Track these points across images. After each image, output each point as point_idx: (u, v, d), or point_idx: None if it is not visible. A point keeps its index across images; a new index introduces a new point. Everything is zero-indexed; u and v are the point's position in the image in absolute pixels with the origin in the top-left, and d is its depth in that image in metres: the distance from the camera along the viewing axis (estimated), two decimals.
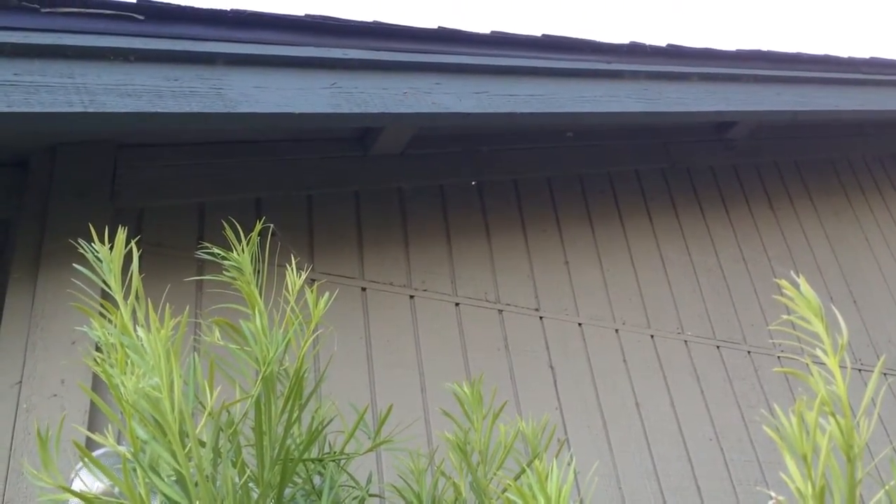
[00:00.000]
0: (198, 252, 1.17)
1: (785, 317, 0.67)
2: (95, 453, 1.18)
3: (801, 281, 0.65)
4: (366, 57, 2.29)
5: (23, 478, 1.73)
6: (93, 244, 1.04)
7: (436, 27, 2.56)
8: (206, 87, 1.97)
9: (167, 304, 0.92)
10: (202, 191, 2.39)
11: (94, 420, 1.88)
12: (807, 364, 0.67)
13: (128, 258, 1.04)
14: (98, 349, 0.99)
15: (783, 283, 0.66)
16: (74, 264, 1.10)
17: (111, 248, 1.04)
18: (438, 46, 2.54)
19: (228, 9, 2.17)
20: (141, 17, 2.04)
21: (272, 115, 2.03)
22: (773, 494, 0.65)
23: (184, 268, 2.22)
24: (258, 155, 2.54)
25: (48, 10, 1.93)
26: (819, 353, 0.65)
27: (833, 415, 0.61)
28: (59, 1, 1.95)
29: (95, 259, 1.04)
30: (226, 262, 1.09)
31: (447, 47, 2.55)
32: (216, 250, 1.09)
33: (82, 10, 1.97)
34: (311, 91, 2.13)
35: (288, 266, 1.16)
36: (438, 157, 2.90)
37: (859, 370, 3.39)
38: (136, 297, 1.00)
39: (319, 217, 2.55)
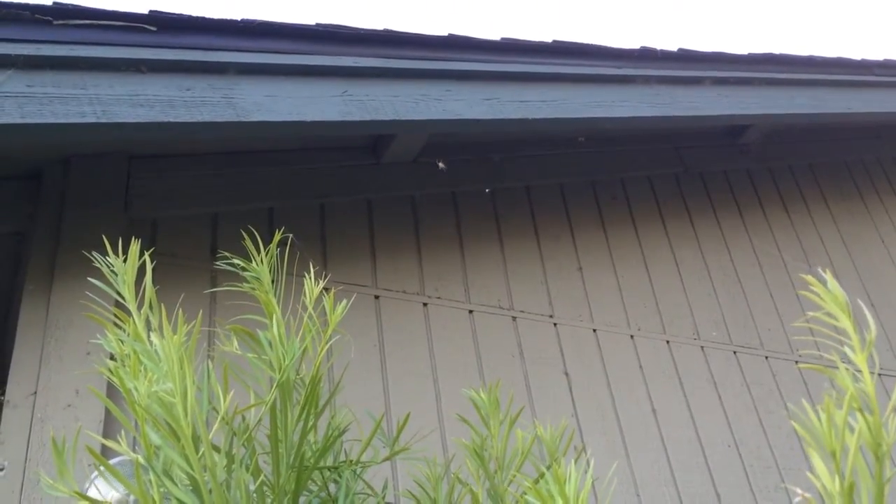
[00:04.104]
0: (217, 263, 1.17)
1: (811, 313, 0.65)
2: (110, 462, 1.17)
3: (828, 276, 0.64)
4: (377, 65, 2.29)
5: (38, 488, 1.73)
6: (107, 257, 1.04)
7: (446, 34, 2.56)
8: (218, 96, 1.97)
9: (181, 311, 0.92)
10: (215, 201, 2.39)
11: (109, 431, 1.88)
12: (833, 361, 0.65)
13: (141, 269, 1.04)
14: (112, 359, 0.98)
15: (809, 279, 0.64)
16: (89, 278, 1.10)
17: (125, 260, 1.04)
18: (449, 53, 2.53)
19: (239, 18, 2.18)
20: (153, 28, 2.05)
21: (284, 123, 2.03)
22: (799, 491, 0.64)
23: (197, 278, 2.22)
24: (271, 164, 2.54)
25: (61, 22, 1.94)
26: (846, 349, 0.63)
27: (861, 412, 0.60)
28: (72, 13, 1.96)
29: (110, 272, 1.04)
30: (245, 273, 1.09)
31: (458, 54, 2.55)
32: (236, 260, 1.09)
33: (94, 21, 1.98)
34: (323, 99, 2.13)
35: (306, 275, 1.15)
36: (450, 165, 2.89)
37: (879, 374, 3.35)
38: (150, 307, 0.99)
39: (332, 225, 2.54)
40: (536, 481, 1.06)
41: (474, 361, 2.51)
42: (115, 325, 1.02)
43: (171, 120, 1.88)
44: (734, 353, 3.06)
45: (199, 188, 2.40)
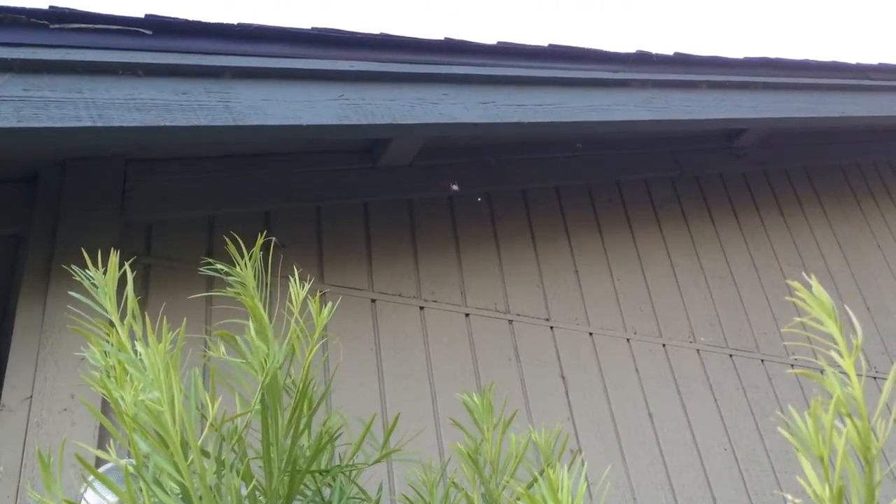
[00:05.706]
0: (201, 269, 1.17)
1: (798, 318, 0.65)
2: (102, 469, 1.17)
3: (813, 281, 0.64)
4: (373, 69, 2.29)
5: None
6: (87, 270, 1.04)
7: (442, 38, 2.56)
8: (214, 100, 1.97)
9: (164, 319, 0.92)
10: (211, 204, 2.39)
11: (105, 435, 1.88)
12: (822, 367, 0.65)
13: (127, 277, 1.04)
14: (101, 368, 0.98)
15: (795, 284, 0.64)
16: (70, 292, 1.10)
17: (105, 272, 1.04)
18: (445, 57, 2.54)
19: (235, 22, 2.18)
20: (149, 32, 2.05)
21: (280, 127, 2.03)
22: (789, 497, 0.64)
23: (193, 281, 2.22)
24: (267, 168, 2.54)
25: (57, 26, 1.94)
26: (833, 354, 0.64)
27: (849, 416, 0.60)
28: (68, 17, 1.96)
29: (91, 285, 1.04)
30: (230, 278, 1.09)
31: (454, 58, 2.55)
32: (220, 266, 1.08)
33: (90, 25, 1.98)
34: (319, 103, 2.13)
35: (290, 278, 1.15)
36: (447, 168, 2.89)
37: (874, 377, 3.36)
38: (134, 316, 0.99)
39: (328, 229, 2.54)
40: (530, 486, 1.06)
41: (471, 365, 2.51)
42: (101, 336, 1.02)
43: (168, 124, 1.88)
44: (730, 356, 3.07)
45: (195, 191, 2.40)
